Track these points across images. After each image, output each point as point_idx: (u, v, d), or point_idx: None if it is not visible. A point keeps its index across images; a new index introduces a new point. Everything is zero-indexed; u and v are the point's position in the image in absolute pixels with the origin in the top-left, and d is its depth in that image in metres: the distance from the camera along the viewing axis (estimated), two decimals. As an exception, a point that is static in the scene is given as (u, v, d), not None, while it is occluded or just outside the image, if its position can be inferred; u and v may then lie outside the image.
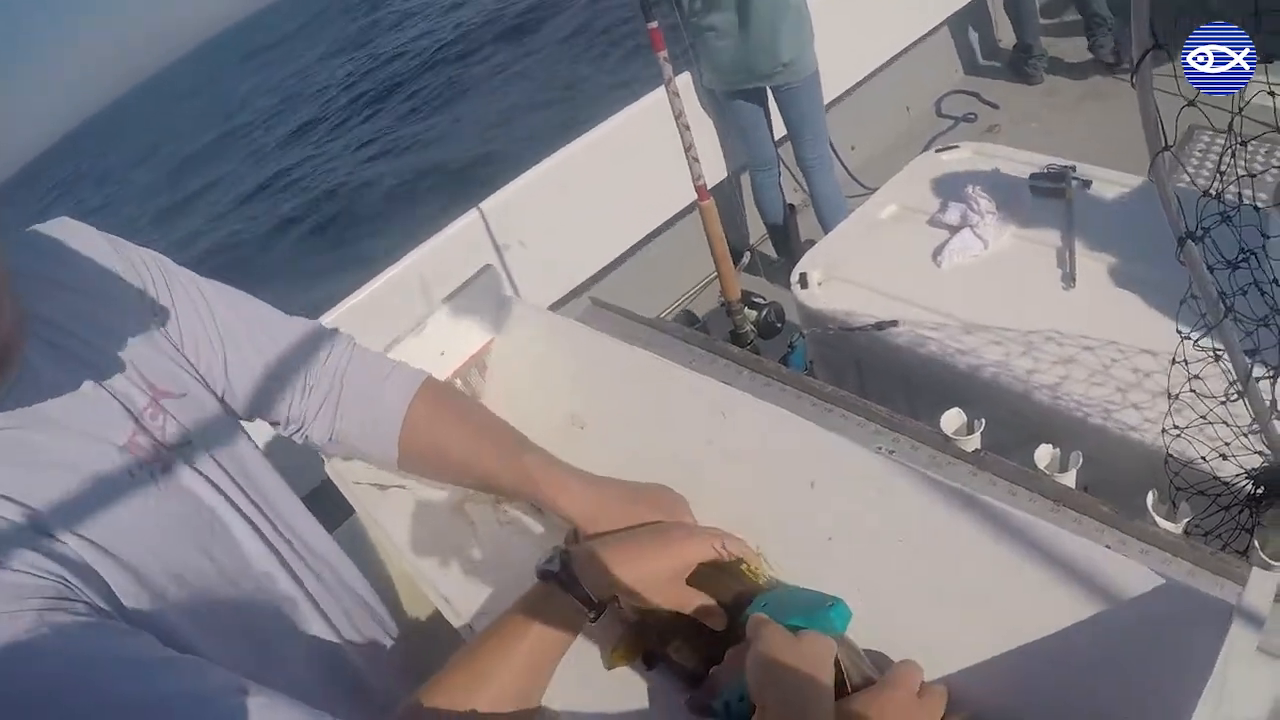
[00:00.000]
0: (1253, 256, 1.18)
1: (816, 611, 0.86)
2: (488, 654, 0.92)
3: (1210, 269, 1.20)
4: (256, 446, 1.13)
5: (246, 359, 1.10)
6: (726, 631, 0.95)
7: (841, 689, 0.84)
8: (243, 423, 1.14)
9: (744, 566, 0.97)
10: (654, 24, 2.54)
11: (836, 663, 0.86)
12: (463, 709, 0.87)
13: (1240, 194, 1.16)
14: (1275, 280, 1.20)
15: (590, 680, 1.02)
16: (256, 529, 1.05)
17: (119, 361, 0.96)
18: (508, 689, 0.90)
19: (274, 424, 1.17)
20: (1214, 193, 1.15)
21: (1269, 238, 1.17)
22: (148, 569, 0.88)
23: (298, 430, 1.18)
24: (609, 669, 1.02)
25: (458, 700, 0.87)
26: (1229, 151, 1.13)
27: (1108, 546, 0.98)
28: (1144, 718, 0.77)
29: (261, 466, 1.12)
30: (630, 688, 1.01)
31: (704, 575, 0.97)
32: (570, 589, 0.94)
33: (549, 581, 0.95)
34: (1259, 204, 1.21)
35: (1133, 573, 0.84)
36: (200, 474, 0.99)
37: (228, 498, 1.02)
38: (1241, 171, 1.14)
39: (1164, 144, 1.15)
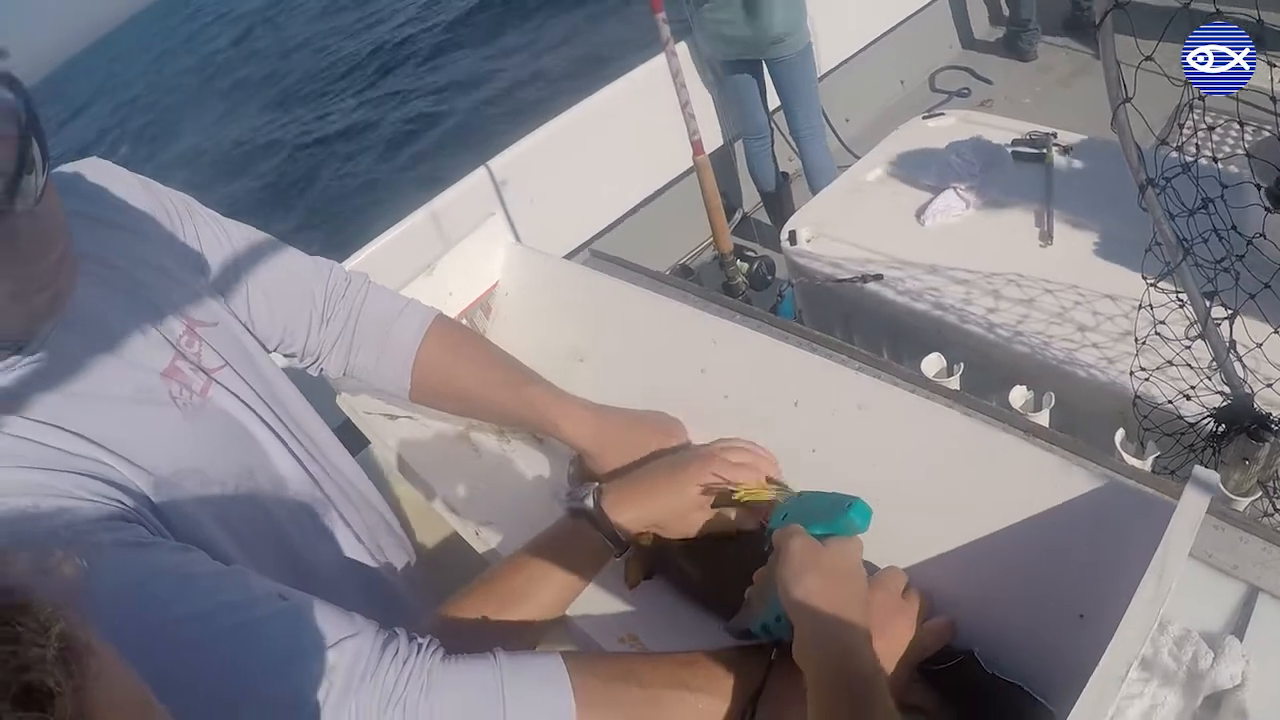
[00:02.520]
0: (1211, 204, 1.26)
1: (837, 516, 0.90)
2: (523, 580, 0.99)
3: (1172, 217, 1.28)
4: (282, 372, 1.19)
5: (267, 292, 1.16)
6: (742, 546, 1.03)
7: None
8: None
9: (746, 491, 1.03)
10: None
11: None
12: (496, 622, 0.95)
13: (1198, 146, 1.24)
14: (1233, 226, 1.28)
15: (596, 591, 1.09)
16: (288, 448, 1.11)
17: (156, 292, 1.01)
18: (537, 610, 0.98)
19: (290, 355, 1.23)
20: (1171, 143, 1.23)
21: (1226, 186, 1.25)
22: (190, 488, 0.93)
23: (314, 362, 1.24)
24: (633, 586, 1.10)
25: (492, 616, 0.95)
26: (1187, 105, 1.20)
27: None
28: (1101, 604, 0.85)
29: (290, 390, 1.17)
30: (633, 597, 1.10)
31: (724, 499, 1.03)
32: (600, 526, 1.01)
33: (579, 517, 1.02)
34: (1216, 156, 1.29)
35: (1088, 475, 0.92)
36: (236, 397, 1.05)
37: (261, 419, 1.08)
38: (1200, 125, 1.22)
39: (1125, 96, 1.22)
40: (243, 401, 1.06)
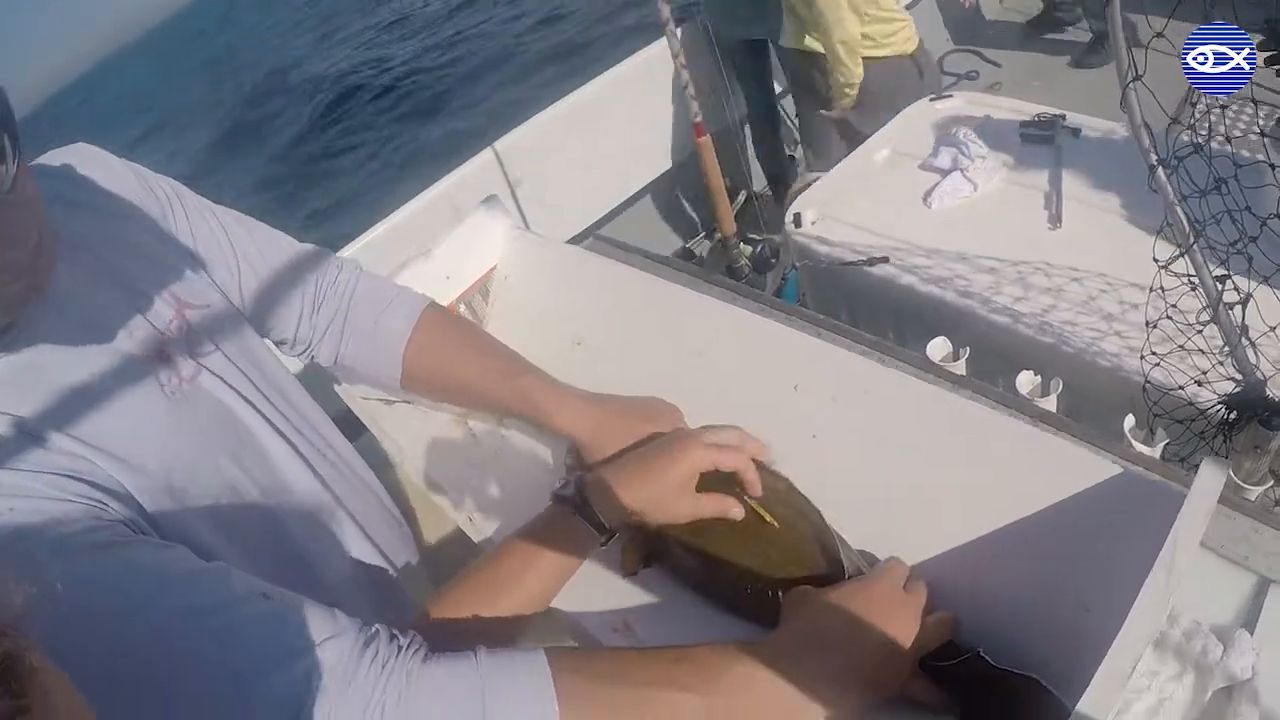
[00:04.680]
0: (1224, 185, 1.23)
1: None
2: (506, 570, 0.97)
3: (1184, 198, 1.25)
4: (278, 357, 1.18)
5: (259, 275, 1.14)
6: (737, 532, 1.00)
7: (840, 576, 0.92)
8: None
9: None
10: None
11: (837, 550, 0.93)
12: (482, 615, 0.93)
13: (1210, 125, 1.21)
14: (1247, 207, 1.25)
15: (591, 580, 1.07)
16: (283, 435, 1.10)
17: (142, 276, 0.99)
18: (523, 601, 0.96)
19: (281, 343, 1.22)
20: (1184, 121, 1.20)
21: (1240, 166, 1.22)
22: (177, 480, 0.92)
23: (305, 350, 1.22)
24: (629, 574, 1.07)
25: (477, 608, 0.93)
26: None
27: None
28: (1108, 596, 0.82)
29: (284, 375, 1.16)
30: (628, 585, 1.07)
31: (709, 482, 1.01)
32: (583, 514, 0.99)
33: (563, 505, 1.00)
34: (1230, 136, 1.26)
35: (1096, 463, 0.89)
36: (226, 383, 1.04)
37: (254, 405, 1.06)
38: (1214, 104, 1.19)
39: (1135, 74, 1.19)
40: (234, 388, 1.04)
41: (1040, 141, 2.30)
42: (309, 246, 1.23)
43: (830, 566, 0.95)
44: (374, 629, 0.81)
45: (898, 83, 3.01)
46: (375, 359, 1.23)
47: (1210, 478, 0.80)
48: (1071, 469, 0.90)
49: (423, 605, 0.94)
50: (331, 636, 0.78)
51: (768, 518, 0.99)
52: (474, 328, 1.37)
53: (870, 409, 1.06)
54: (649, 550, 1.07)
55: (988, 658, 0.85)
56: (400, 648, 0.80)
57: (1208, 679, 0.86)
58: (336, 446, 1.22)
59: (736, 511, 0.99)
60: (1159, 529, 0.78)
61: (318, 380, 1.35)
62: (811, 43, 3.12)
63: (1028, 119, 2.36)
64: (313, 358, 1.24)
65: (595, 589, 1.06)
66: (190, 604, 0.78)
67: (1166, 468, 1.16)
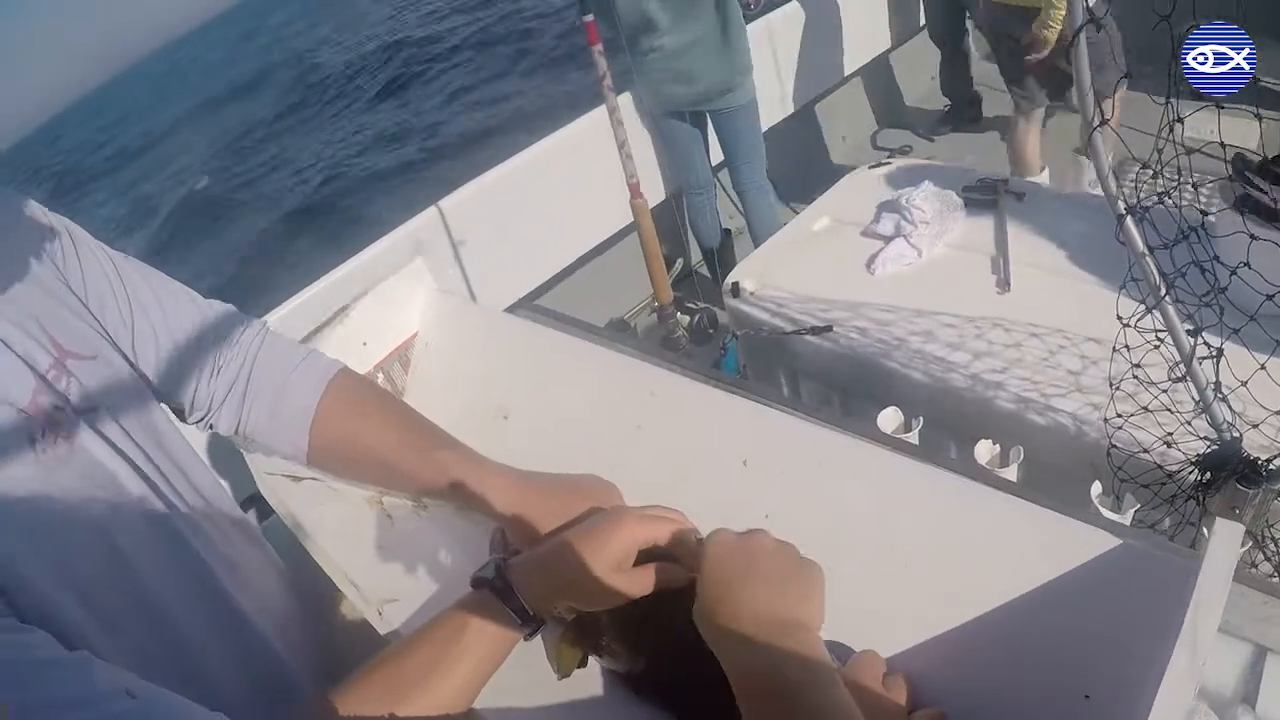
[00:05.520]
0: (1195, 233, 1.17)
1: None
2: (418, 662, 0.84)
3: (1150, 249, 1.19)
4: (175, 424, 1.05)
5: (155, 330, 1.03)
6: (671, 622, 0.87)
7: None
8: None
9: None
10: (589, 17, 2.54)
11: None
12: (389, 714, 0.80)
13: (1180, 170, 1.14)
14: (1215, 257, 1.18)
15: (519, 676, 0.94)
16: (171, 507, 0.97)
17: (20, 317, 0.87)
18: (438, 700, 0.83)
19: (179, 410, 1.09)
20: (1150, 165, 1.14)
21: (1207, 215, 1.16)
22: (47, 553, 0.80)
23: (203, 416, 1.10)
24: (564, 676, 0.95)
25: (384, 705, 0.80)
26: (1167, 126, 1.11)
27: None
28: (1111, 681, 0.74)
29: (180, 443, 1.04)
30: (561, 686, 0.95)
31: (647, 556, 0.89)
32: (506, 599, 0.86)
33: (482, 589, 0.88)
34: (1197, 184, 1.20)
35: (1087, 537, 0.80)
36: (108, 442, 0.91)
37: (140, 472, 0.94)
38: (1180, 149, 1.12)
39: (1101, 119, 1.13)
40: (118, 450, 0.91)
41: (983, 206, 2.26)
42: (214, 302, 1.12)
43: None
44: None
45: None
46: (279, 428, 1.12)
47: (1225, 542, 0.72)
48: (1059, 541, 0.81)
49: (321, 694, 0.82)
50: None
51: None
52: (390, 397, 1.25)
53: (828, 483, 0.96)
54: (584, 645, 0.94)
55: None
56: None
57: (1215, 765, 0.78)
58: (235, 525, 1.09)
59: (682, 576, 0.87)
60: (1159, 603, 0.72)
61: (228, 453, 1.23)
62: None
63: (970, 184, 2.33)
64: (212, 426, 1.12)
65: (529, 689, 0.94)
66: (41, 698, 0.66)
67: (1155, 538, 1.08)
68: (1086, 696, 0.76)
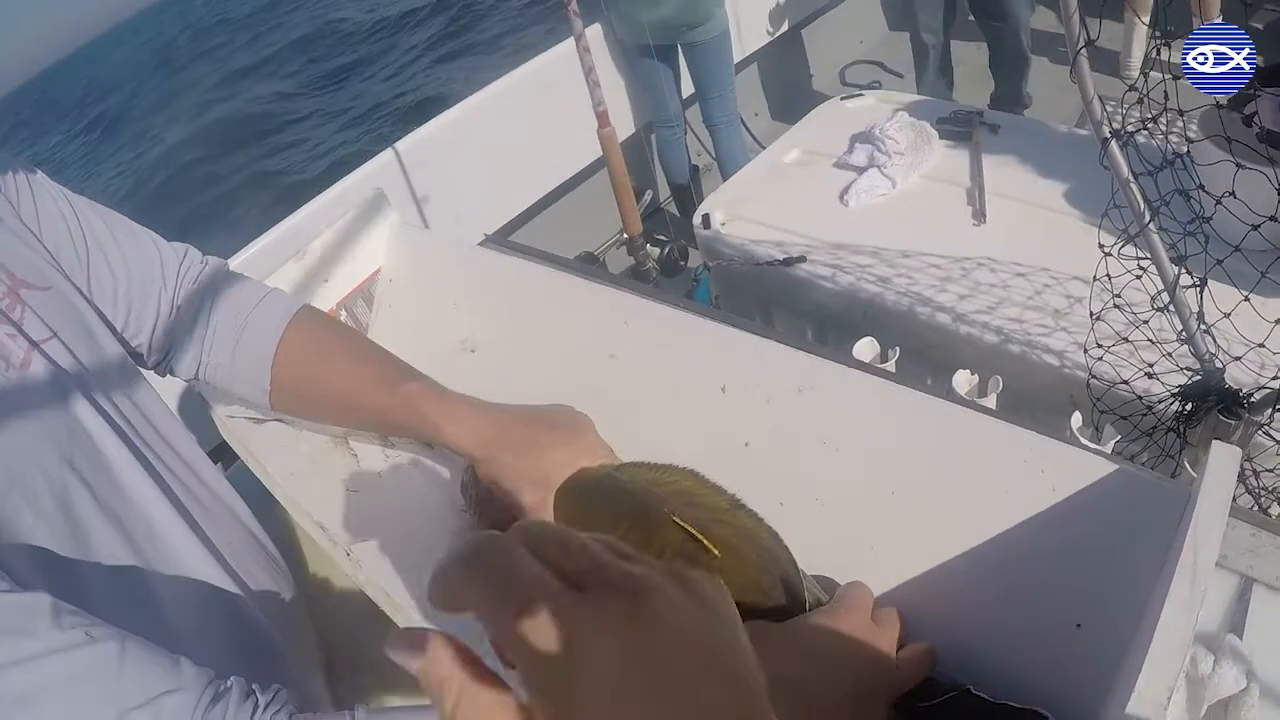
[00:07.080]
0: (1180, 160, 1.14)
1: None
2: None
3: (1136, 176, 1.16)
4: (127, 359, 1.01)
5: (112, 268, 0.99)
6: None
7: (799, 610, 0.75)
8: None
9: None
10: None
11: (795, 579, 0.77)
12: None
13: (1166, 95, 1.12)
14: (1200, 185, 1.16)
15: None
16: (128, 443, 0.93)
17: None
18: None
19: (136, 354, 1.05)
20: (1137, 88, 1.11)
21: (1193, 141, 1.13)
22: None
23: (162, 359, 1.06)
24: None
25: None
26: (1154, 46, 1.08)
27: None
28: (1103, 611, 0.72)
29: (134, 375, 1.00)
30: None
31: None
32: None
33: None
34: (1183, 110, 1.17)
35: (1080, 462, 0.77)
36: (65, 373, 0.87)
37: (95, 404, 0.90)
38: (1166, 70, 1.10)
39: (1086, 39, 1.10)
40: (72, 379, 0.88)
41: (958, 138, 2.24)
42: (174, 243, 1.07)
43: (786, 598, 0.76)
44: (226, 683, 0.70)
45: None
46: (240, 369, 1.07)
47: (1222, 465, 0.69)
48: (1050, 466, 0.78)
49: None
50: (170, 691, 0.67)
51: (705, 542, 0.80)
52: (354, 333, 1.21)
53: (810, 409, 0.92)
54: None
55: (980, 693, 0.72)
56: (257, 706, 0.68)
57: (1200, 695, 0.79)
58: (195, 465, 1.05)
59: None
60: (1150, 530, 0.71)
61: (191, 401, 1.19)
62: None
63: (944, 115, 2.30)
64: (171, 369, 1.08)
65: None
66: None
67: (1135, 466, 1.07)
68: (1078, 625, 0.74)
